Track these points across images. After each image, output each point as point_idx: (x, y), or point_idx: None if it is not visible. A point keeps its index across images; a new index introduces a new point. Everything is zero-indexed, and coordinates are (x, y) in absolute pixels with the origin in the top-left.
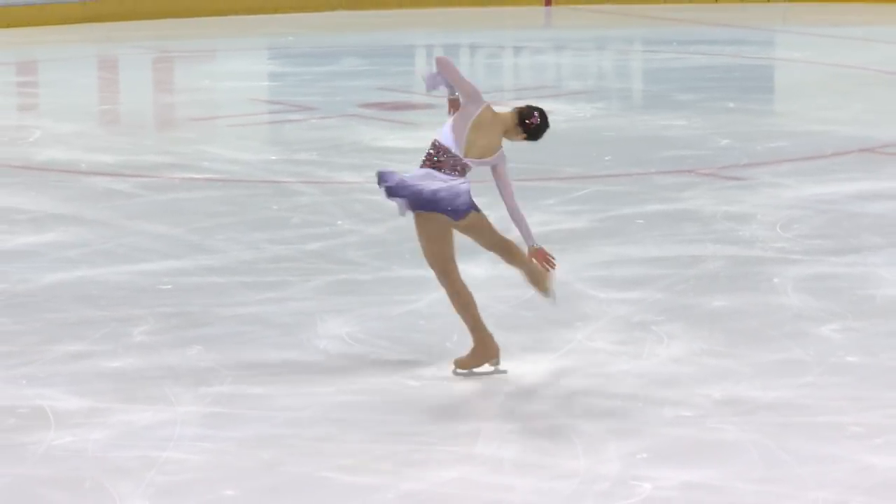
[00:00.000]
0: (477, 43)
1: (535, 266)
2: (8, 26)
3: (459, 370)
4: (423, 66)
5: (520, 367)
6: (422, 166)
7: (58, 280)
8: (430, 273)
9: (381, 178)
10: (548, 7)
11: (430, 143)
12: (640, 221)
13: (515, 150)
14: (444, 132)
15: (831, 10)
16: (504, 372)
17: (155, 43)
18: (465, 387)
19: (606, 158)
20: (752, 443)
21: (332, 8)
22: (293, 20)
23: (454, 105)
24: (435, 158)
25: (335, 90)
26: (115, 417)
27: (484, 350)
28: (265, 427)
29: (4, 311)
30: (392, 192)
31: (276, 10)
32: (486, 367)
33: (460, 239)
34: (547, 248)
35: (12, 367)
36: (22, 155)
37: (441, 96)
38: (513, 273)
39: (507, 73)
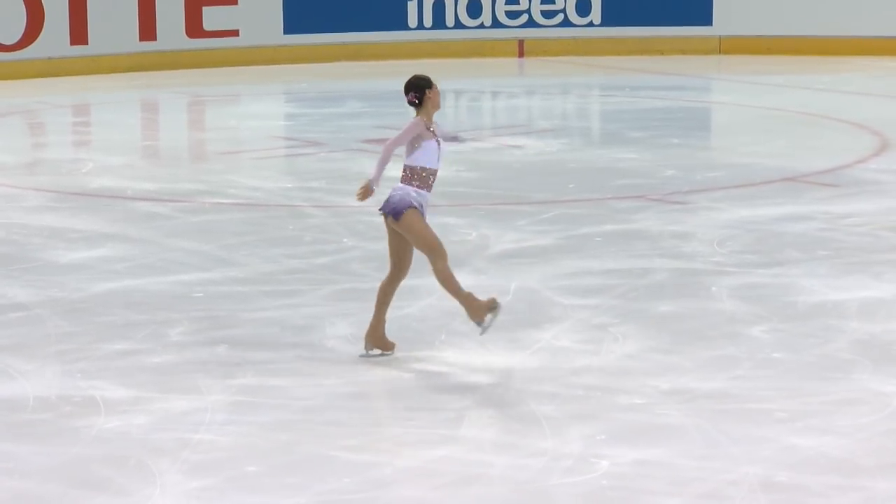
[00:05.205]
0: (461, 89)
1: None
2: (65, 75)
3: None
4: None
5: (497, 361)
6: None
7: (107, 289)
8: (421, 283)
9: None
10: (521, 58)
11: (415, 170)
12: (599, 239)
13: (493, 179)
14: (431, 159)
15: (757, 61)
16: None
17: (189, 89)
18: (451, 378)
19: (570, 186)
20: (693, 426)
21: (338, 59)
22: (305, 69)
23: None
24: (430, 181)
25: (341, 128)
26: (156, 405)
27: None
28: (282, 413)
29: (62, 316)
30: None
31: (290, 61)
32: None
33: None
34: (517, 261)
35: (69, 362)
36: (77, 183)
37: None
38: (493, 283)
39: (486, 113)
